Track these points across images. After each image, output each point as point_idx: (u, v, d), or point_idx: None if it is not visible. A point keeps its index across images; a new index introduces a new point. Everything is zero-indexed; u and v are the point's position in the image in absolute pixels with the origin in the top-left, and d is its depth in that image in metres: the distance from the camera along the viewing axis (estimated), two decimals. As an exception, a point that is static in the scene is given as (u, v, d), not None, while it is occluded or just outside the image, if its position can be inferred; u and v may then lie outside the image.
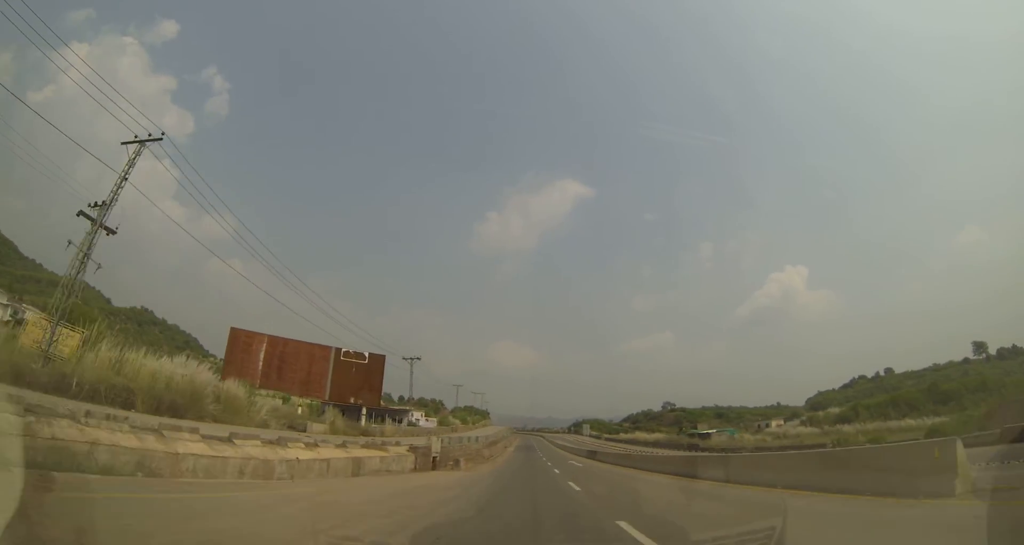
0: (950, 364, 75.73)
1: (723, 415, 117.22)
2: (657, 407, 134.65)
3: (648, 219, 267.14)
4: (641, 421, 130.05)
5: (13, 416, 6.91)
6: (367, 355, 41.39)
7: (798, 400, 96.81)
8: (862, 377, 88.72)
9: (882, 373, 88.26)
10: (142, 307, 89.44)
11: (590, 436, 75.59)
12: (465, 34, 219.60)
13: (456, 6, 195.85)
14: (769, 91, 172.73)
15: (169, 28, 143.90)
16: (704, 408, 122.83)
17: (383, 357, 43.53)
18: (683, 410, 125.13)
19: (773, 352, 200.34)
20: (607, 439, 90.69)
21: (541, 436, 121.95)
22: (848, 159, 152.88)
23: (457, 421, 74.33)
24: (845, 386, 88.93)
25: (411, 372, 54.76)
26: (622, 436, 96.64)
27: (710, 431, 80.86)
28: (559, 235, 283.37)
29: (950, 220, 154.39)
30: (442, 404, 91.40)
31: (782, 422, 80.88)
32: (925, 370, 77.67)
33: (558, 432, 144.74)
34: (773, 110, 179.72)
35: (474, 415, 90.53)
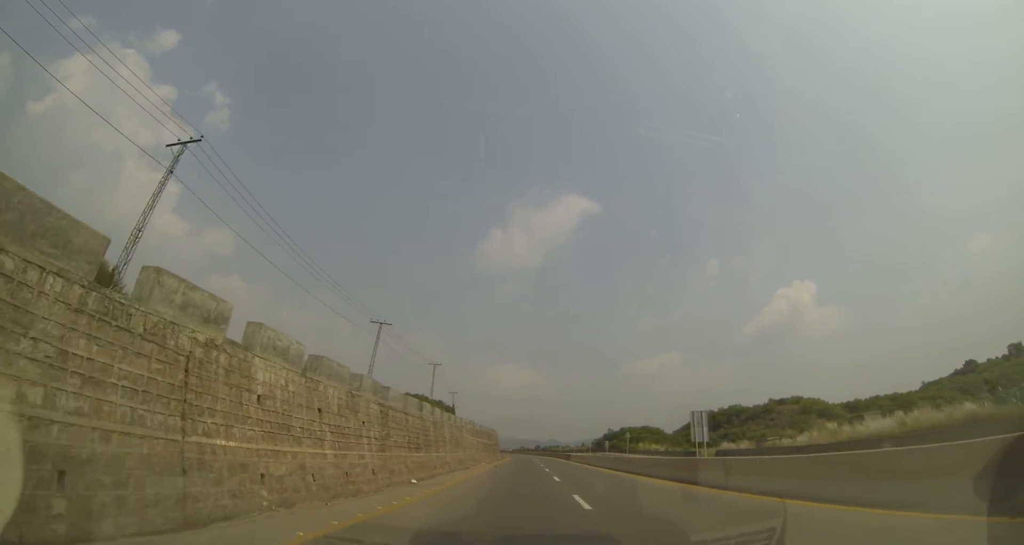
0: None
1: (856, 407, 70.20)
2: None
3: (653, 235, 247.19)
4: (727, 424, 78.08)
5: None
6: None
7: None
8: (972, 361, 64.38)
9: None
10: None
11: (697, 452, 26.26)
12: (465, 48, 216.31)
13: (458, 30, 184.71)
14: (770, 101, 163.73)
15: (169, 38, 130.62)
16: (829, 402, 74.29)
17: None
18: (800, 399, 74.59)
19: (787, 365, 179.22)
20: (751, 455, 38.11)
21: (564, 458, 68.48)
22: (850, 168, 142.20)
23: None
24: (958, 373, 63.70)
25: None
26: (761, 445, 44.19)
27: None
28: (565, 253, 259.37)
29: (958, 228, 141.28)
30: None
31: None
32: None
33: (582, 451, 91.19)
34: (773, 119, 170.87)
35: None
